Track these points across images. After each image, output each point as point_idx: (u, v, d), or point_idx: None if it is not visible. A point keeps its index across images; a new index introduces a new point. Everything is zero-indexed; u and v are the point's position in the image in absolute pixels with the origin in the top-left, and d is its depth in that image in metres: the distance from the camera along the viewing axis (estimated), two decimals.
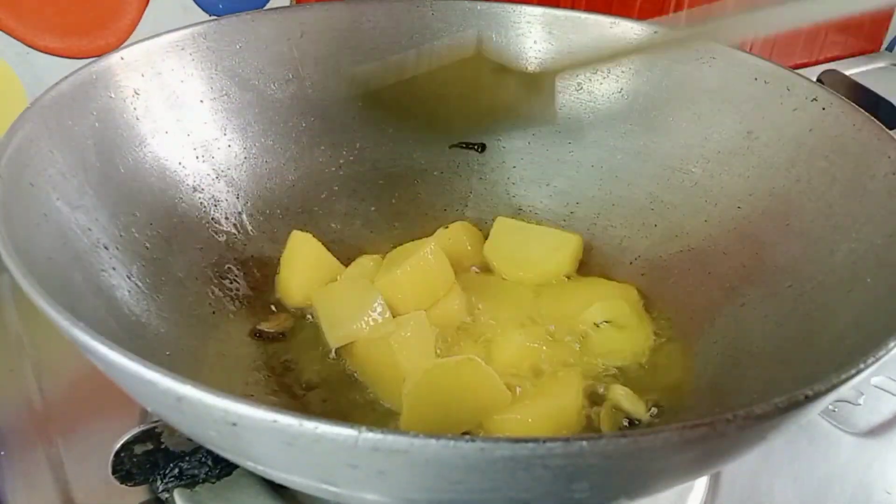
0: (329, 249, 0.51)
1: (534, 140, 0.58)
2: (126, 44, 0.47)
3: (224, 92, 0.51)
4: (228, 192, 0.51)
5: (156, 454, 0.41)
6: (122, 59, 0.46)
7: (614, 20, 0.55)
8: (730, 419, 0.25)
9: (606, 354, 0.47)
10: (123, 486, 0.40)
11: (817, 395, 0.27)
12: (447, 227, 0.54)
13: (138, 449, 0.42)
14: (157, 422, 0.42)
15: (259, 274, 0.50)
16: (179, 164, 0.48)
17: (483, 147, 0.56)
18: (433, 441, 0.23)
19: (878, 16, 1.02)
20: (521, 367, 0.45)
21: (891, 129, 0.43)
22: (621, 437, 0.24)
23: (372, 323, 0.45)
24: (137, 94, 0.46)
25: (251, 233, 0.52)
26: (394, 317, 0.45)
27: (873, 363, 0.29)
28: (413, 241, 0.52)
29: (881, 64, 1.01)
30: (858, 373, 0.28)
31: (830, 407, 0.49)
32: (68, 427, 0.45)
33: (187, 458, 0.41)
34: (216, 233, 0.50)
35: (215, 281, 0.48)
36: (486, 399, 0.41)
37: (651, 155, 0.54)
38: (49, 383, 0.47)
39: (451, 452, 0.24)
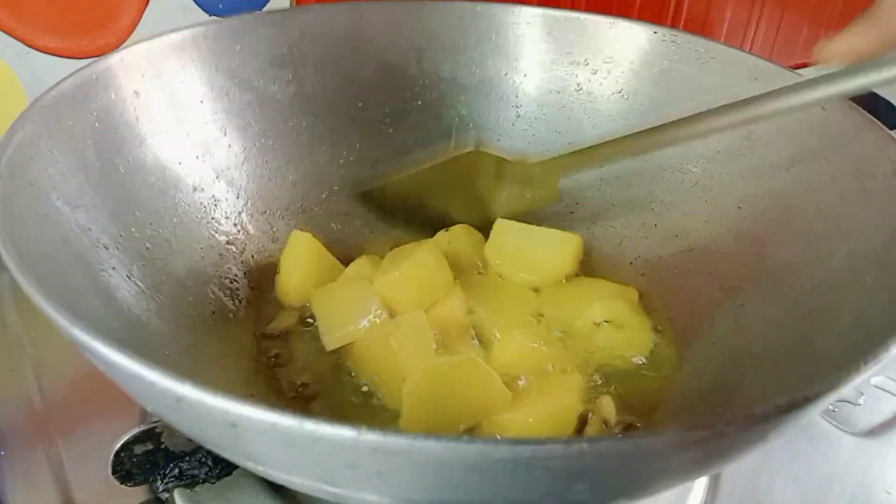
0: (329, 249, 0.51)
1: (533, 140, 0.58)
2: (126, 44, 0.47)
3: (224, 92, 0.51)
4: (228, 191, 0.51)
5: (156, 454, 0.41)
6: (122, 59, 0.46)
7: (613, 20, 0.55)
8: (730, 420, 0.25)
9: (606, 354, 0.47)
10: (123, 486, 0.40)
11: (817, 396, 0.27)
12: (447, 230, 0.54)
13: (138, 449, 0.42)
14: (157, 422, 0.42)
15: (259, 274, 0.50)
16: (179, 164, 0.48)
17: None
18: (433, 442, 0.23)
19: None
20: (522, 367, 0.45)
21: (891, 129, 0.43)
22: (621, 439, 0.24)
23: (368, 325, 0.45)
24: (137, 94, 0.46)
25: (251, 233, 0.52)
26: (392, 318, 0.45)
27: (873, 363, 0.29)
28: (413, 241, 0.52)
29: None
30: (858, 373, 0.28)
31: (830, 407, 0.49)
32: (68, 427, 0.45)
33: (187, 458, 0.41)
34: (216, 233, 0.50)
35: (215, 281, 0.48)
36: (486, 399, 0.41)
37: (651, 155, 0.54)
38: (49, 383, 0.47)
39: (452, 453, 0.24)
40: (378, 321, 0.45)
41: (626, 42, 0.55)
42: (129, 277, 0.41)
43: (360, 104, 0.56)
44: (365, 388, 0.44)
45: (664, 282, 0.51)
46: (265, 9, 0.65)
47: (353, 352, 0.45)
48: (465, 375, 0.40)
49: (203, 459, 0.41)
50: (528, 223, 0.55)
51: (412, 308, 0.46)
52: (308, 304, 0.49)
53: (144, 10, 0.60)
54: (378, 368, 0.44)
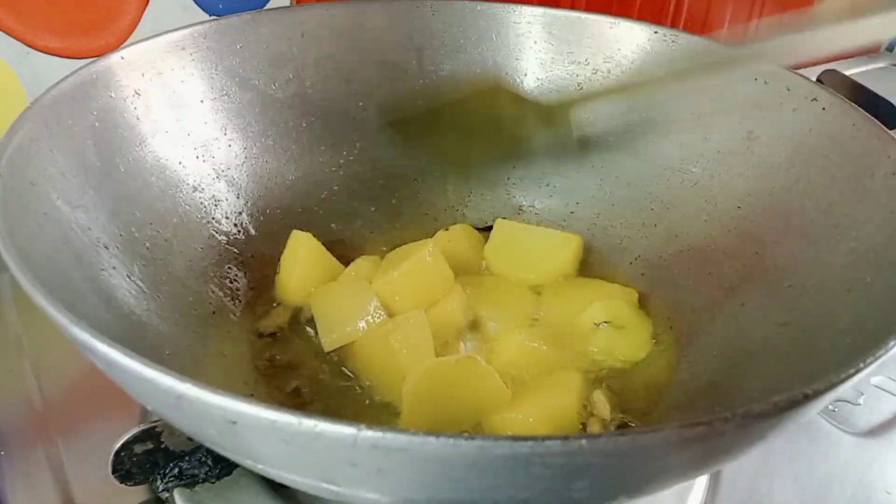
0: (329, 249, 0.51)
1: None
2: (126, 44, 0.47)
3: (224, 92, 0.51)
4: (229, 191, 0.51)
5: (156, 454, 0.41)
6: (122, 58, 0.46)
7: (614, 20, 0.55)
8: (729, 418, 0.25)
9: (606, 354, 0.47)
10: (123, 485, 0.40)
11: (817, 395, 0.27)
12: (447, 230, 0.54)
13: (138, 448, 0.42)
14: (157, 421, 0.42)
15: (259, 274, 0.50)
16: (180, 163, 0.48)
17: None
18: (432, 439, 0.23)
19: None
20: (521, 366, 0.45)
21: (891, 129, 0.43)
22: (620, 436, 0.24)
23: (366, 326, 0.45)
24: (138, 93, 0.46)
25: (251, 232, 0.52)
26: (391, 318, 0.45)
27: (873, 363, 0.29)
28: (413, 241, 0.52)
29: (881, 64, 1.02)
30: (858, 373, 0.28)
31: (830, 407, 0.49)
32: (68, 427, 0.45)
33: (187, 458, 0.41)
34: (216, 232, 0.50)
35: (215, 281, 0.48)
36: (486, 398, 0.41)
37: (651, 155, 0.54)
38: (49, 383, 0.47)
39: (451, 451, 0.24)
40: (376, 322, 0.45)
41: (627, 42, 0.55)
42: (129, 277, 0.41)
43: (360, 104, 0.56)
44: (365, 388, 0.44)
45: (664, 282, 0.51)
46: (265, 8, 0.65)
47: (354, 351, 0.45)
48: (465, 375, 0.41)
49: (203, 459, 0.41)
50: (528, 223, 0.56)
51: (412, 309, 0.46)
52: (308, 304, 0.49)
53: (144, 10, 0.60)
54: (378, 368, 0.44)
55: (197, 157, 0.50)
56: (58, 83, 0.42)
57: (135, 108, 0.46)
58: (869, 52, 1.04)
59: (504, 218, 0.56)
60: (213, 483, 0.40)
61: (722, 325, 0.46)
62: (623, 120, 0.55)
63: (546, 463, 0.24)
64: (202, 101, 0.50)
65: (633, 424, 0.43)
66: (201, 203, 0.49)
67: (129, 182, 0.45)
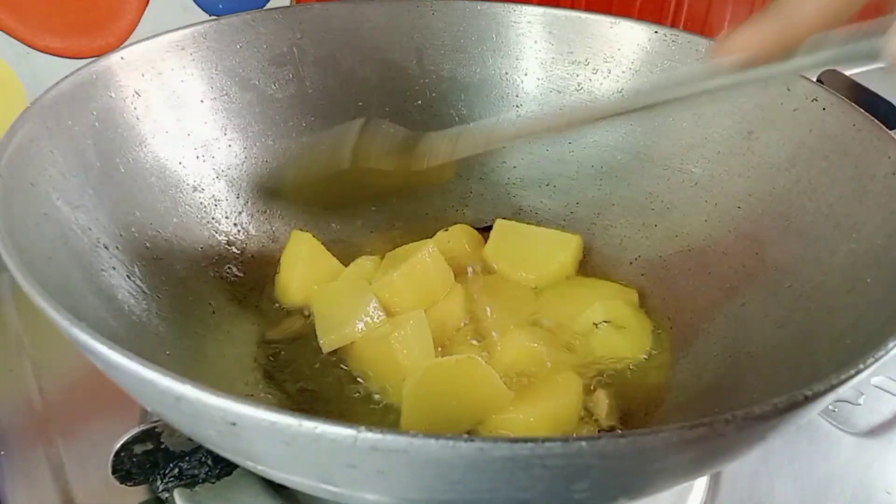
0: (329, 249, 0.51)
1: (533, 140, 0.58)
2: (126, 44, 0.47)
3: (224, 92, 0.51)
4: (229, 191, 0.51)
5: (156, 454, 0.41)
6: (122, 59, 0.46)
7: (614, 20, 0.55)
8: (729, 419, 0.25)
9: (606, 354, 0.47)
10: (123, 486, 0.40)
11: (817, 396, 0.27)
12: (447, 230, 0.54)
13: (138, 449, 0.42)
14: (157, 422, 0.42)
15: (259, 274, 0.50)
16: (180, 163, 0.48)
17: None
18: (432, 441, 0.23)
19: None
20: (522, 366, 0.45)
21: (891, 129, 0.43)
22: (621, 438, 0.24)
23: (365, 327, 0.45)
24: (138, 93, 0.46)
25: (251, 233, 0.52)
26: (391, 319, 0.45)
27: (873, 363, 0.29)
28: (413, 241, 0.52)
29: (881, 64, 1.01)
30: (858, 373, 0.28)
31: (830, 407, 0.49)
32: (68, 427, 0.45)
33: (187, 458, 0.41)
34: (216, 232, 0.50)
35: (215, 281, 0.48)
36: (487, 398, 0.41)
37: (651, 155, 0.54)
38: (49, 383, 0.47)
39: (450, 452, 0.24)
40: (375, 323, 0.45)
41: (627, 42, 0.55)
42: (129, 277, 0.41)
43: (360, 103, 0.56)
44: (365, 388, 0.44)
45: (664, 282, 0.51)
46: (265, 8, 0.65)
47: (354, 351, 0.45)
48: (466, 375, 0.40)
49: (203, 459, 0.41)
50: (528, 223, 0.55)
51: (412, 309, 0.46)
52: (308, 304, 0.49)
53: (144, 10, 0.60)
54: (378, 368, 0.44)
55: (197, 157, 0.50)
56: (58, 83, 0.42)
57: (135, 109, 0.46)
58: None
59: (504, 218, 0.56)
60: (213, 483, 0.40)
61: (722, 326, 0.46)
62: (623, 120, 0.55)
63: (546, 465, 0.24)
64: (202, 101, 0.50)
65: (632, 425, 0.43)
66: (201, 203, 0.49)
67: (129, 182, 0.45)
